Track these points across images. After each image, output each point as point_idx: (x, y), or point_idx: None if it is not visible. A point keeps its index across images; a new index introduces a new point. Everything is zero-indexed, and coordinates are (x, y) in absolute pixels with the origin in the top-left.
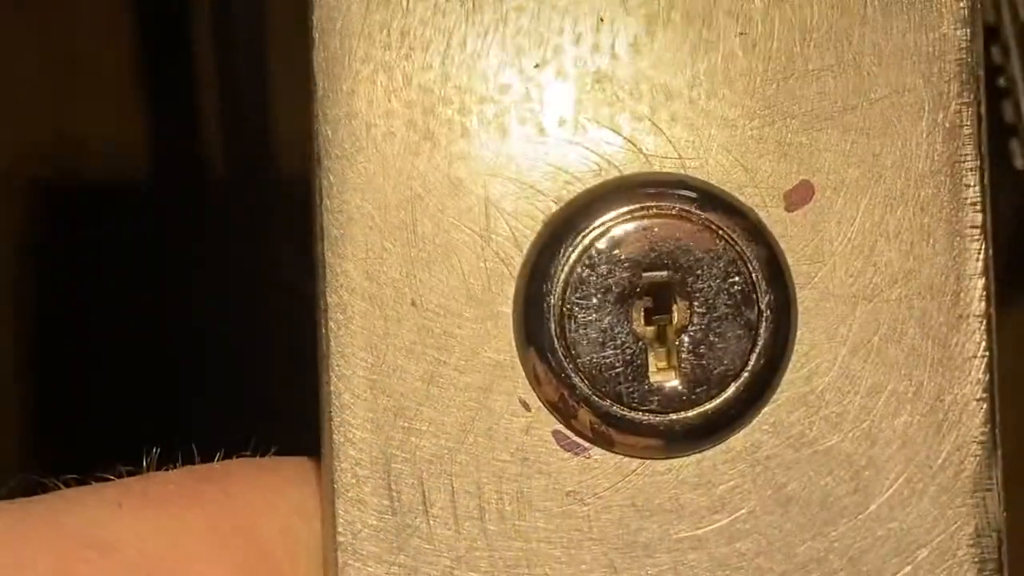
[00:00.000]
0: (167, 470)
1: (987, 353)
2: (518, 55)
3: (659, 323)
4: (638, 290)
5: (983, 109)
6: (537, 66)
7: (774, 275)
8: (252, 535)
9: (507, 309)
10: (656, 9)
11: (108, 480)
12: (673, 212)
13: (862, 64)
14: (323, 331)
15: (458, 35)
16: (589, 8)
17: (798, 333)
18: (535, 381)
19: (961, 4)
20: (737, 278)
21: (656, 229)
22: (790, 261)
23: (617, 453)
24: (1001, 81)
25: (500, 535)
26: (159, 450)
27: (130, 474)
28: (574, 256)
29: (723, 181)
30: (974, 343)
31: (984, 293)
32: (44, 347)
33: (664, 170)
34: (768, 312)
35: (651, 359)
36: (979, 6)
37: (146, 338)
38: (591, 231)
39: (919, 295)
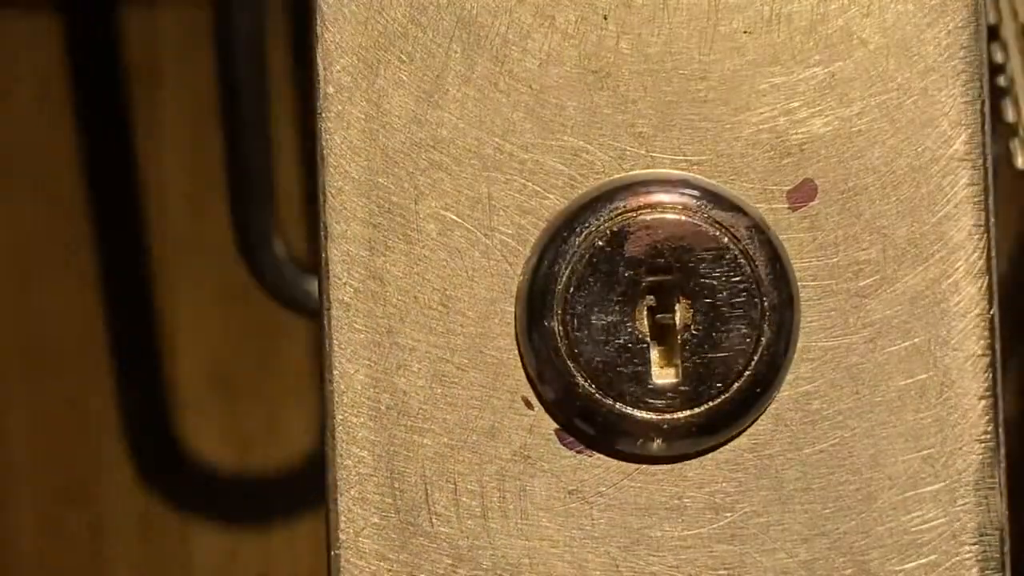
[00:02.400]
0: None
1: (990, 352)
2: (521, 54)
3: (662, 322)
4: (641, 289)
5: (987, 108)
6: (540, 64)
7: (777, 273)
8: None
9: (510, 308)
10: (660, 7)
11: None
12: (676, 211)
13: (867, 63)
14: (326, 328)
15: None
16: (592, 6)
17: (800, 331)
18: (538, 380)
19: (965, 4)
20: (740, 277)
21: (659, 228)
22: (792, 259)
23: (619, 451)
24: (1001, 80)
25: (502, 533)
26: None
27: None
28: (577, 255)
29: (726, 180)
30: (977, 342)
31: (987, 291)
32: None
33: (668, 169)
34: (770, 310)
35: (654, 358)
36: (983, 6)
37: None
38: (594, 230)
39: (922, 293)
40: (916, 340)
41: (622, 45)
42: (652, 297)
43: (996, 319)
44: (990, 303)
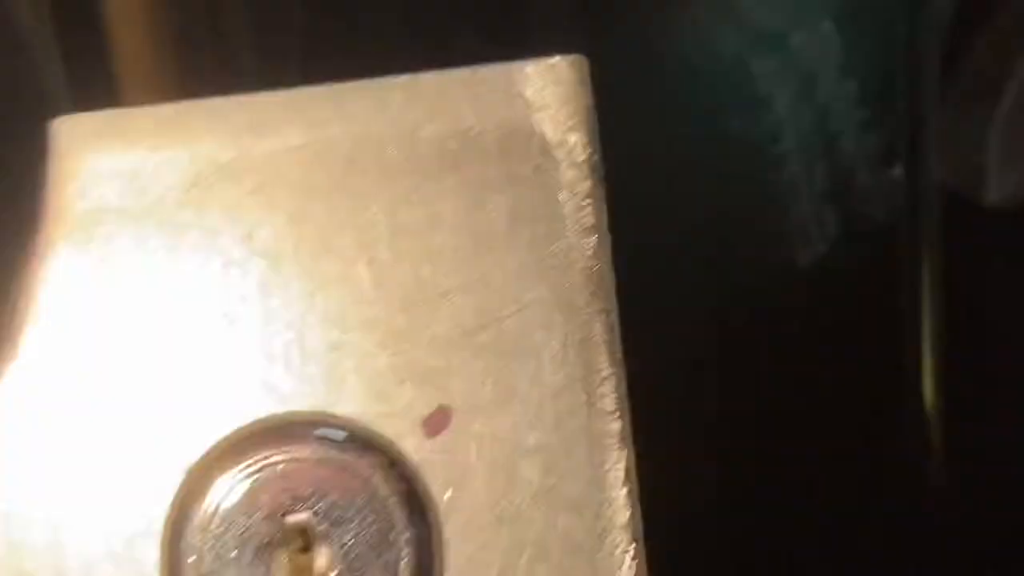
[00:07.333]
0: None
1: (633, 565)
2: (144, 300)
3: (301, 572)
4: (279, 538)
5: (615, 317)
6: (167, 308)
7: (413, 510)
8: None
9: (155, 572)
10: (282, 246)
11: None
12: (308, 456)
13: (490, 282)
14: None
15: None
16: (216, 251)
17: (445, 561)
18: None
19: (583, 213)
20: (374, 517)
21: (292, 475)
22: (432, 489)
23: None
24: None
25: None
26: None
27: None
28: (210, 512)
29: (362, 414)
30: (619, 556)
31: (628, 500)
32: None
33: (300, 409)
34: (408, 549)
35: None
36: (605, 213)
37: None
38: (225, 484)
39: (564, 510)
40: (560, 560)
41: (248, 286)
42: (293, 546)
43: (640, 530)
44: (632, 512)
